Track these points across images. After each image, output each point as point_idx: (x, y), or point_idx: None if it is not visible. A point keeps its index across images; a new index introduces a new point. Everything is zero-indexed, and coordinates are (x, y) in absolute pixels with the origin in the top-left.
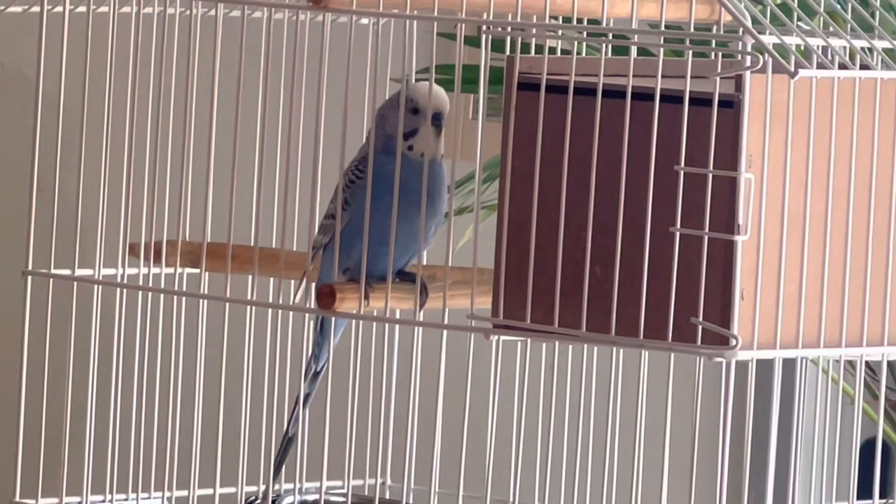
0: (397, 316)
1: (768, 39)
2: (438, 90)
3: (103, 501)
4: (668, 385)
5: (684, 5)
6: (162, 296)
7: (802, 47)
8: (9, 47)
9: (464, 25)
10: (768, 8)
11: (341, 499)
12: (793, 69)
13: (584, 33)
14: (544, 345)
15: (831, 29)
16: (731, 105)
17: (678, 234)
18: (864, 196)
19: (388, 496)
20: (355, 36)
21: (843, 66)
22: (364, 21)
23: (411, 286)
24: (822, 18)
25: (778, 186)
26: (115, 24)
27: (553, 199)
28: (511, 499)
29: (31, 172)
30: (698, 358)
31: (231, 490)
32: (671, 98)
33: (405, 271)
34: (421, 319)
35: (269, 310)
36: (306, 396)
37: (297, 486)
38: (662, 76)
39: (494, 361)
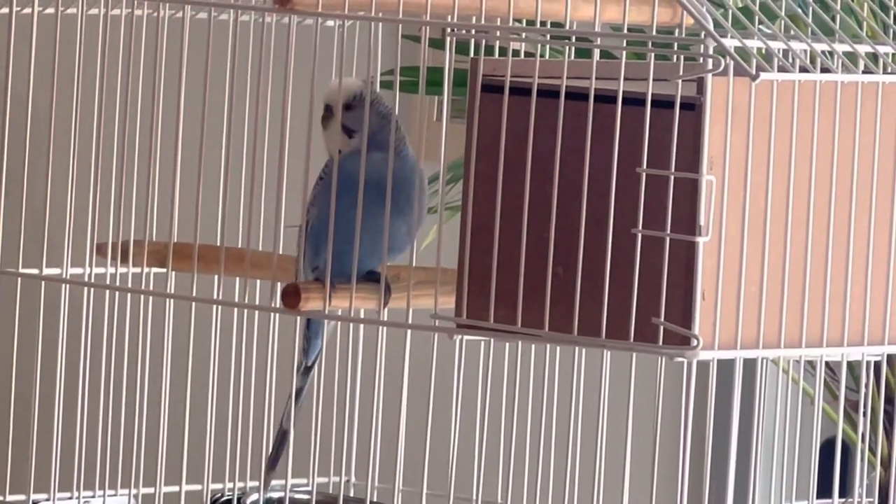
0: (361, 315)
1: (730, 42)
2: (334, 84)
3: (70, 499)
4: (629, 385)
5: (647, 9)
6: (129, 295)
7: (763, 50)
8: None
9: (428, 28)
10: (730, 11)
11: (306, 496)
12: (754, 72)
13: (548, 36)
14: (507, 344)
15: (792, 32)
16: (692, 107)
17: (640, 235)
18: (825, 198)
19: (352, 494)
20: (321, 38)
21: (803, 70)
22: (330, 23)
23: (375, 286)
24: (783, 22)
25: (739, 188)
26: (83, 26)
27: (516, 200)
28: (474, 496)
29: None
30: (660, 358)
31: (197, 487)
32: (633, 100)
33: (373, 271)
34: (385, 319)
35: (235, 309)
36: (299, 391)
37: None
38: (625, 79)
39: (458, 361)
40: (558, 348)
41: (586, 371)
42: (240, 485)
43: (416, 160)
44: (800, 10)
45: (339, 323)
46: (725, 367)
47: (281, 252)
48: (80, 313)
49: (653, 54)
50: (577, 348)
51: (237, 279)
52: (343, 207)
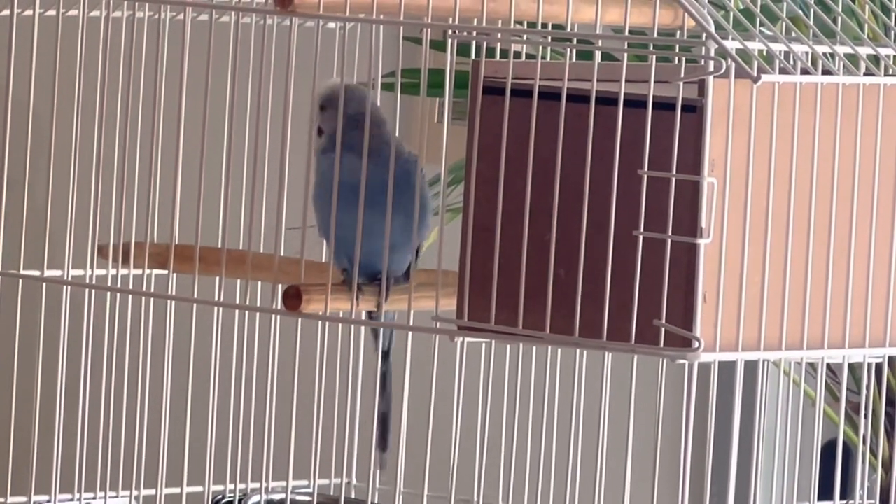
0: (363, 317)
1: (731, 45)
2: (323, 85)
3: (71, 500)
4: (631, 386)
5: (648, 11)
6: (130, 297)
7: (765, 52)
8: None
9: (429, 30)
10: (731, 13)
11: (307, 498)
12: (755, 74)
13: (549, 38)
14: (509, 346)
15: (794, 34)
16: (694, 109)
17: (641, 237)
18: (826, 199)
19: (353, 496)
20: (322, 40)
21: (805, 72)
22: (331, 25)
23: (372, 288)
24: (784, 24)
25: (740, 190)
26: (84, 28)
27: (518, 202)
28: (475, 498)
29: (1, 174)
30: (661, 360)
31: (198, 489)
32: (635, 102)
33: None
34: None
35: (236, 311)
36: (384, 375)
37: (264, 485)
38: (626, 81)
39: (459, 362)
40: (559, 350)
41: (587, 373)
42: (241, 486)
43: (411, 160)
44: (801, 12)
45: (319, 327)
46: (726, 369)
47: (282, 254)
48: (81, 315)
49: (654, 56)
50: (578, 350)
51: (238, 281)
52: (321, 208)
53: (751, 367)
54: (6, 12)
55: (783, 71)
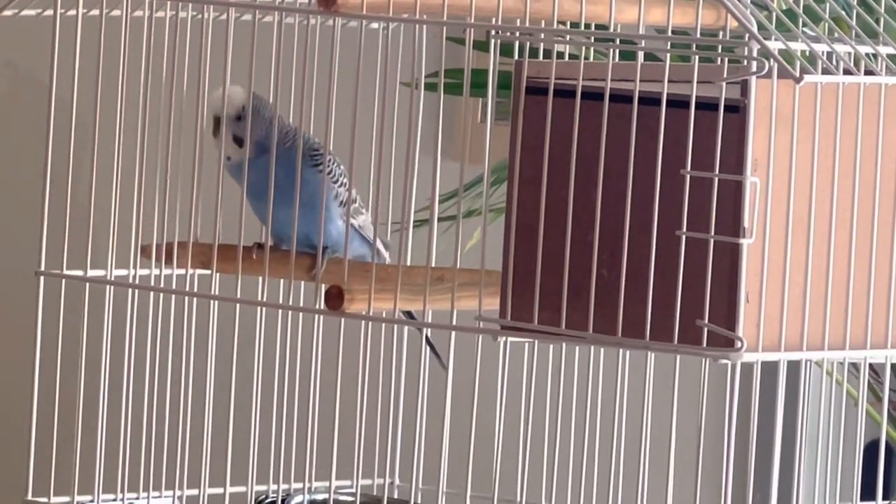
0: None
1: (774, 45)
2: (229, 93)
3: (114, 500)
4: (673, 386)
5: (691, 11)
6: (173, 296)
7: (807, 53)
8: (22, 50)
9: (472, 30)
10: (774, 14)
11: (350, 498)
12: (798, 74)
13: (592, 38)
14: (551, 346)
15: (836, 35)
16: (736, 110)
17: (684, 237)
18: (868, 200)
19: (396, 496)
20: (365, 40)
21: (847, 72)
22: (374, 25)
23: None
24: (827, 24)
25: (783, 190)
26: (127, 28)
27: (560, 202)
28: (518, 498)
29: (45, 174)
30: (704, 360)
31: (241, 489)
32: (677, 103)
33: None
34: (429, 321)
35: (279, 311)
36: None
37: (307, 485)
38: (669, 81)
39: (502, 362)
40: (602, 350)
41: (630, 372)
42: (284, 486)
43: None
44: (843, 13)
45: (362, 327)
46: (769, 368)
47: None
48: (124, 315)
49: (697, 57)
50: (620, 350)
51: (281, 281)
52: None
53: (793, 367)
54: (50, 12)
55: (826, 71)
